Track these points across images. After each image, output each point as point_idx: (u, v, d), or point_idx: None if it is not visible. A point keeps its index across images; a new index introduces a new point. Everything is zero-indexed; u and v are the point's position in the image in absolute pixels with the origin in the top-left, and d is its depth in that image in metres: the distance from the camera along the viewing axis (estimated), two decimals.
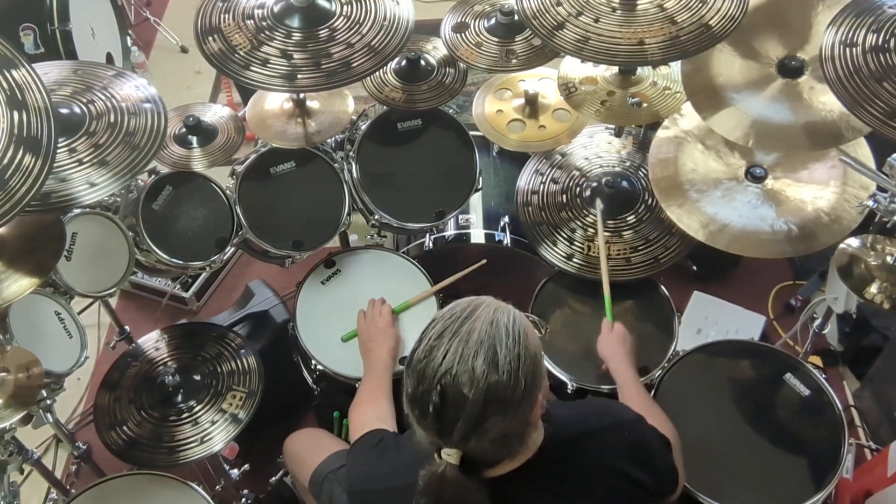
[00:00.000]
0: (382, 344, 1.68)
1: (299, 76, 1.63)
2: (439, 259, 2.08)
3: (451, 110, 1.98)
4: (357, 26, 1.71)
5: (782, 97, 1.63)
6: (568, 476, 1.13)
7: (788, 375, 1.65)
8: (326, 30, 1.70)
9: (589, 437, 1.17)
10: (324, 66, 1.65)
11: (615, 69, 1.89)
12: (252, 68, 1.64)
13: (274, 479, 1.88)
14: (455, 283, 1.88)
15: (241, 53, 1.66)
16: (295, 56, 1.66)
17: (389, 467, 1.24)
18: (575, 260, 1.90)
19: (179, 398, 1.75)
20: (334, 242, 1.96)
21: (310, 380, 1.88)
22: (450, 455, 1.01)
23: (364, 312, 1.78)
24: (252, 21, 1.71)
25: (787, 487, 1.50)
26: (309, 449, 1.64)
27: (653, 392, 1.66)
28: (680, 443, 1.37)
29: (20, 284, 1.39)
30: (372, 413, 1.46)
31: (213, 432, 1.69)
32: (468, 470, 1.02)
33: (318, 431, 1.76)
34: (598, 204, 1.92)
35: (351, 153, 1.93)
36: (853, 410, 2.12)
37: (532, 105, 2.01)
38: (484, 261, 1.88)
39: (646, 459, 1.19)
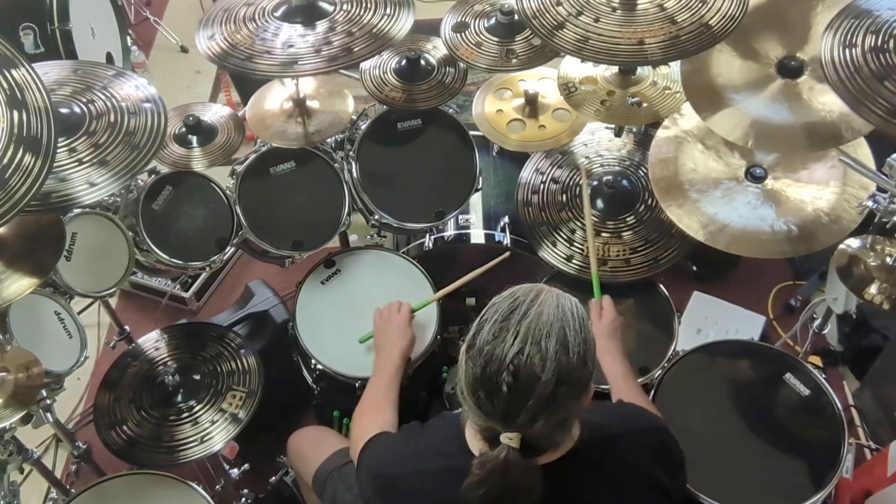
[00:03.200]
0: (396, 343, 1.64)
1: (300, 62, 1.62)
2: (439, 259, 2.08)
3: (451, 110, 1.98)
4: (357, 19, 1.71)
5: (782, 97, 1.63)
6: (603, 470, 1.15)
7: (788, 375, 1.65)
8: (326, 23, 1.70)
9: (624, 437, 1.19)
10: (324, 52, 1.64)
11: (615, 69, 1.89)
12: (254, 60, 1.63)
13: (274, 478, 1.88)
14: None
15: (242, 49, 1.65)
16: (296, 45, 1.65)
17: (418, 451, 1.23)
18: (574, 261, 1.89)
19: (179, 398, 1.75)
20: (334, 242, 1.96)
21: (309, 379, 1.88)
22: (511, 439, 1.02)
23: (380, 311, 1.73)
24: (252, 22, 1.71)
25: (787, 487, 1.51)
26: (313, 446, 1.64)
27: (653, 392, 1.66)
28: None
29: (20, 284, 1.39)
30: (375, 422, 1.43)
31: (213, 432, 1.69)
32: (526, 455, 1.03)
33: (323, 429, 1.75)
34: (584, 178, 1.93)
35: (351, 153, 1.93)
36: (853, 410, 2.12)
37: (532, 105, 2.01)
38: (507, 253, 1.86)
39: (671, 466, 1.21)
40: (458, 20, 1.95)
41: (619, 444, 1.18)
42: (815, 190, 1.71)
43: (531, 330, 1.01)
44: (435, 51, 1.99)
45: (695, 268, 2.35)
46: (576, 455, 1.11)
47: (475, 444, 1.12)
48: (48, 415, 1.56)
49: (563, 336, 1.01)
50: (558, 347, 1.00)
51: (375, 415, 1.48)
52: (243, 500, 1.85)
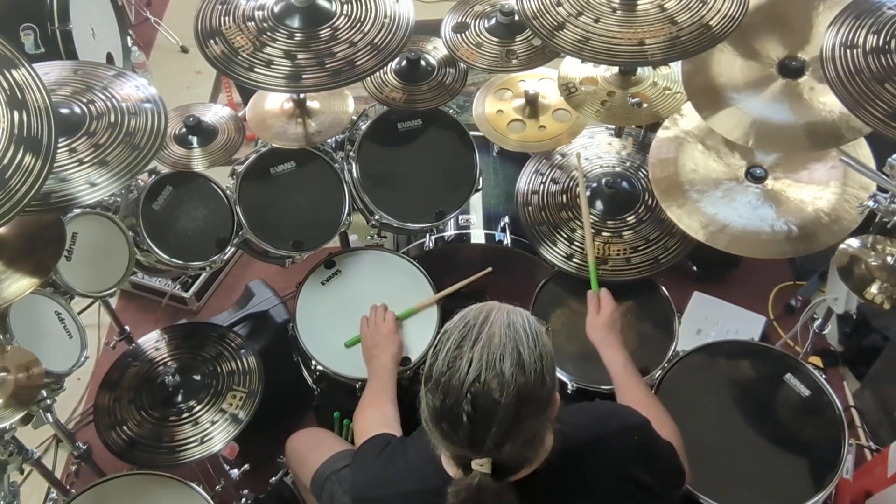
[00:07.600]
0: (386, 349, 1.68)
1: (304, 76, 1.63)
2: (439, 259, 2.08)
3: (451, 110, 1.98)
4: (358, 24, 1.71)
5: (783, 97, 1.63)
6: (581, 479, 1.14)
7: (788, 376, 1.65)
8: (328, 29, 1.70)
9: (600, 441, 1.17)
10: (328, 66, 1.65)
11: (615, 69, 1.88)
12: (256, 70, 1.64)
13: (274, 479, 1.88)
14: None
15: (244, 55, 1.65)
16: (299, 56, 1.65)
17: (397, 472, 1.24)
18: (575, 260, 1.89)
19: (179, 398, 1.75)
20: (334, 243, 1.96)
21: (310, 380, 1.88)
22: (482, 465, 1.00)
23: (367, 318, 1.77)
24: (253, 23, 1.71)
25: (787, 488, 1.50)
26: (311, 448, 1.65)
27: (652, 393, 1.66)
28: (681, 436, 1.36)
29: (20, 284, 1.39)
30: (376, 417, 1.46)
31: (213, 432, 1.69)
32: (499, 477, 1.02)
33: (321, 431, 1.76)
34: (578, 160, 1.95)
35: (351, 153, 1.93)
36: (853, 411, 2.12)
37: (532, 105, 2.01)
38: (489, 269, 1.87)
39: (654, 463, 1.20)
40: (459, 20, 1.95)
41: (594, 449, 1.16)
42: (816, 190, 1.71)
43: (485, 354, 0.99)
44: (435, 51, 1.99)
45: (695, 268, 2.35)
46: (550, 467, 1.10)
47: (450, 466, 1.12)
48: (48, 415, 1.56)
49: (518, 356, 0.99)
50: (514, 368, 0.98)
51: (375, 411, 1.50)
52: (243, 500, 1.85)
